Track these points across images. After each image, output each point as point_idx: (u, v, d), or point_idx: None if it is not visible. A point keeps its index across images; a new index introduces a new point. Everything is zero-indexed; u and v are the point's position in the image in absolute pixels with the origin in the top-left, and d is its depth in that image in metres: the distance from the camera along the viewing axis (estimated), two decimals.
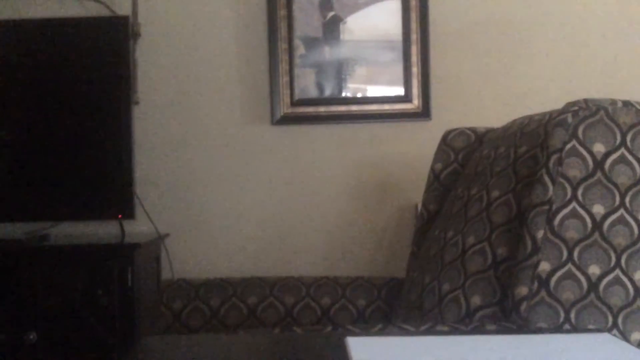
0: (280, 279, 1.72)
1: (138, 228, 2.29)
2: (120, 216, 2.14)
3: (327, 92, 2.35)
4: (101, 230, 2.29)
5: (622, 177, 1.17)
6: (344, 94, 2.35)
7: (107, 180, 2.16)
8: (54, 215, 2.20)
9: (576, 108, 1.20)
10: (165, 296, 1.69)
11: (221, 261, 2.34)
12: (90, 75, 2.18)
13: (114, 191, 2.15)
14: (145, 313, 2.04)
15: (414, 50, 2.33)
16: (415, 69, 2.33)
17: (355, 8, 2.35)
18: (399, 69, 2.34)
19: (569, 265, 1.17)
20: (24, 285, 1.97)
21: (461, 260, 1.34)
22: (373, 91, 2.36)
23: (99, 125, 2.17)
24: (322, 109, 2.35)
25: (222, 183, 2.35)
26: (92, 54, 2.18)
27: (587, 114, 1.19)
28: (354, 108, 2.35)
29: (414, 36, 2.33)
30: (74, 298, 1.96)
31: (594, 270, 1.16)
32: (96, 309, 1.95)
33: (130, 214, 2.15)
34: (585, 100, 1.21)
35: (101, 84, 2.18)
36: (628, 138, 1.18)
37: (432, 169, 1.75)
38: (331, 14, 2.35)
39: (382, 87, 2.36)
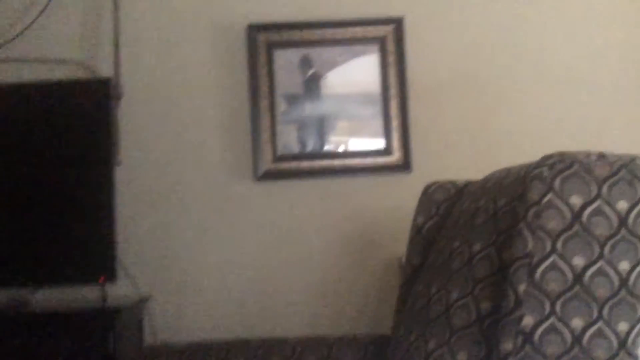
0: (265, 340, 1.70)
1: (120, 290, 2.26)
2: (101, 279, 2.11)
3: (309, 147, 2.37)
4: (82, 295, 2.25)
5: (600, 229, 1.18)
6: (326, 149, 2.37)
7: (89, 243, 2.13)
8: (34, 281, 2.16)
9: (552, 161, 1.22)
10: None
11: (206, 321, 2.31)
12: (72, 136, 2.18)
13: (95, 254, 2.13)
14: None
15: (393, 104, 2.36)
16: (395, 123, 2.36)
17: (335, 64, 2.39)
18: (379, 123, 2.37)
19: (552, 319, 1.16)
20: (3, 354, 1.92)
21: (446, 316, 1.33)
22: (354, 145, 2.38)
23: (80, 187, 2.16)
24: (304, 164, 2.36)
25: (206, 242, 2.34)
26: (74, 116, 2.19)
27: (562, 166, 1.20)
28: (336, 162, 2.36)
29: (393, 90, 2.36)
30: None
31: (577, 323, 1.15)
32: None
33: (112, 277, 2.12)
34: (561, 153, 1.23)
35: (83, 145, 2.17)
36: (604, 190, 1.19)
37: (414, 223, 1.75)
38: (311, 71, 2.38)
39: (363, 140, 2.38)
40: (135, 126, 2.35)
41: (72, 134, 2.19)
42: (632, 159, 1.22)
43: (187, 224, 2.34)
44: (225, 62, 2.38)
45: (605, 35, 2.41)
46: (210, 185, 2.35)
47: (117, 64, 2.33)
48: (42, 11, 2.33)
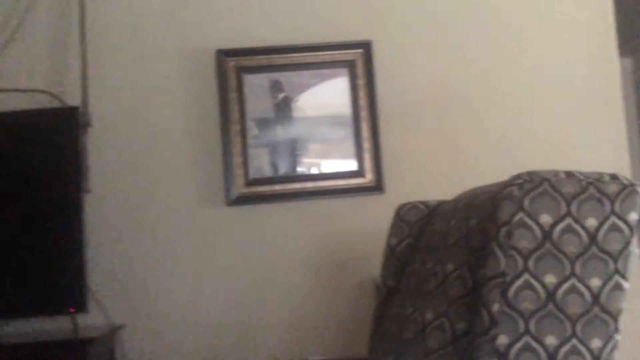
0: None
1: (91, 320, 2.22)
2: (72, 310, 2.07)
3: (282, 171, 2.36)
4: (53, 326, 2.21)
5: (571, 246, 1.19)
6: (298, 171, 2.37)
7: (59, 273, 2.10)
8: (4, 313, 2.11)
9: (521, 180, 1.23)
10: None
11: (179, 350, 2.28)
12: (41, 165, 2.15)
13: (66, 284, 2.09)
14: None
15: (365, 126, 2.37)
16: (366, 144, 2.37)
17: (305, 87, 2.40)
18: (350, 145, 2.38)
19: (527, 338, 1.17)
20: None
21: (422, 337, 1.33)
22: (327, 167, 2.38)
23: (49, 217, 2.13)
24: (277, 187, 2.35)
25: (178, 268, 2.31)
26: (43, 145, 2.16)
27: (531, 186, 1.22)
28: (309, 185, 2.36)
29: (364, 113, 2.38)
30: None
31: (551, 340, 1.16)
32: None
33: (82, 307, 2.08)
34: (529, 173, 1.24)
35: (52, 174, 2.15)
36: (573, 207, 1.21)
37: (388, 244, 1.76)
38: (282, 95, 2.39)
39: (336, 162, 2.38)
40: (104, 154, 2.32)
41: (40, 162, 2.16)
42: (600, 176, 1.24)
43: (159, 252, 2.31)
44: (195, 87, 2.38)
45: (569, 57, 2.46)
46: (181, 212, 2.33)
47: (84, 92, 2.31)
48: (8, 41, 2.31)
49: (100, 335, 2.02)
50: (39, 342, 1.99)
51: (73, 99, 2.31)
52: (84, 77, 2.31)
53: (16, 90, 2.31)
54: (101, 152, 2.32)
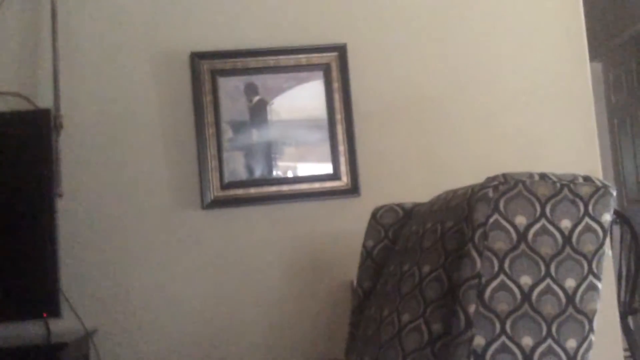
0: None
1: (65, 325, 2.19)
2: (45, 315, 2.05)
3: (257, 174, 2.36)
4: (26, 330, 2.17)
5: (545, 248, 1.21)
6: (274, 174, 2.37)
7: (31, 278, 2.07)
8: None
9: (496, 183, 1.24)
10: None
11: (154, 354, 2.26)
12: (12, 168, 2.13)
13: (38, 289, 2.06)
14: None
15: (340, 129, 2.38)
16: (342, 147, 2.37)
17: (280, 91, 2.39)
18: (326, 148, 2.38)
19: (503, 338, 1.18)
20: None
21: (398, 339, 1.34)
22: (303, 170, 2.38)
23: (21, 221, 2.10)
24: (252, 191, 2.35)
25: (152, 272, 2.29)
26: (14, 148, 2.14)
27: (506, 187, 1.23)
28: (285, 188, 2.36)
29: (339, 116, 2.38)
30: None
31: (527, 341, 1.17)
32: None
33: (55, 312, 2.06)
34: (504, 175, 1.25)
35: (24, 178, 2.12)
36: (547, 209, 1.22)
37: (364, 246, 1.76)
38: (257, 98, 2.38)
39: (311, 165, 2.38)
40: (77, 157, 2.30)
41: (12, 165, 2.13)
42: (574, 178, 1.26)
43: (133, 255, 2.29)
44: (169, 90, 2.36)
45: (541, 61, 2.49)
46: (156, 215, 2.31)
47: (56, 94, 2.28)
48: None
49: (73, 340, 1.99)
50: (10, 347, 1.96)
51: (45, 102, 2.28)
52: (55, 79, 2.28)
53: None
54: (74, 155, 2.29)
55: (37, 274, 2.07)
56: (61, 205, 2.23)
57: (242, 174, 2.35)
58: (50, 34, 2.30)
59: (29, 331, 2.18)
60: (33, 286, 2.07)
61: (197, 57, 2.34)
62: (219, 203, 2.32)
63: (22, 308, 2.08)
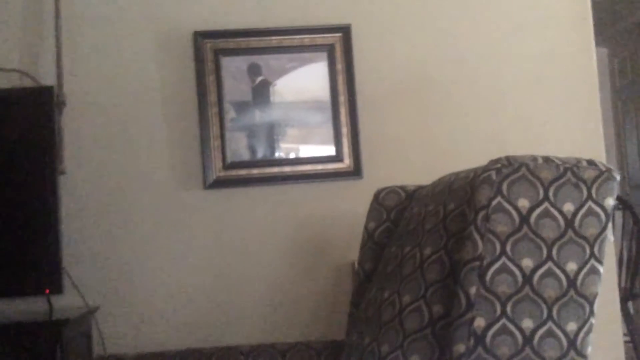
0: (217, 349, 1.68)
1: (67, 302, 2.20)
2: (47, 291, 2.06)
3: (260, 154, 2.36)
4: (28, 306, 2.18)
5: (548, 231, 1.21)
6: (276, 155, 2.36)
7: (34, 254, 2.08)
8: None
9: (499, 165, 1.24)
10: None
11: (155, 332, 2.27)
12: (15, 146, 2.13)
13: (40, 265, 2.07)
14: None
15: (343, 111, 2.37)
16: (345, 129, 2.37)
17: (283, 72, 2.38)
18: (329, 130, 2.38)
19: (503, 320, 1.18)
20: None
21: (399, 320, 1.34)
22: (305, 152, 2.38)
23: (24, 198, 2.10)
24: (255, 171, 2.35)
25: (154, 251, 2.30)
26: (17, 125, 2.13)
27: (509, 170, 1.23)
28: (287, 169, 2.36)
29: (342, 98, 2.37)
30: None
31: (528, 324, 1.18)
32: None
33: (58, 289, 2.07)
34: (507, 157, 1.25)
35: (26, 155, 2.12)
36: (550, 192, 1.22)
37: (366, 228, 1.76)
38: (260, 78, 2.37)
39: (314, 147, 2.38)
40: (80, 135, 2.29)
41: (15, 143, 2.13)
42: (577, 161, 1.25)
43: (135, 234, 2.30)
44: (172, 69, 2.35)
45: (546, 45, 2.48)
46: (158, 194, 2.31)
47: (59, 72, 2.27)
48: None
49: (75, 317, 2.00)
50: (13, 323, 1.97)
51: (47, 79, 2.27)
52: (58, 57, 2.27)
53: None
54: (76, 133, 2.29)
55: (40, 250, 2.08)
56: (63, 182, 2.23)
57: (245, 155, 2.35)
58: (53, 11, 2.29)
59: (31, 307, 2.19)
60: (36, 263, 2.08)
61: (200, 36, 2.33)
62: (221, 183, 2.32)
63: (24, 284, 2.09)
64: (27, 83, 2.27)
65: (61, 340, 1.87)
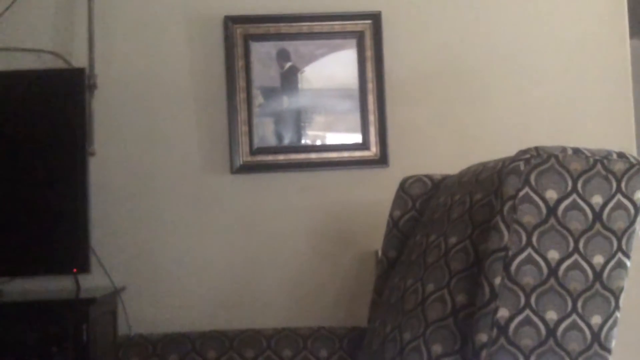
0: (240, 332, 1.69)
1: (94, 281, 2.24)
2: (75, 270, 2.09)
3: (286, 141, 2.36)
4: (56, 285, 2.23)
5: (575, 223, 1.20)
6: (303, 142, 2.37)
7: (62, 234, 2.11)
8: (6, 271, 2.13)
9: (528, 156, 1.23)
10: (121, 353, 1.64)
11: (180, 314, 2.30)
12: (46, 127, 2.16)
13: (69, 245, 2.11)
14: None
15: (371, 99, 2.36)
16: (372, 117, 2.36)
17: (312, 58, 2.38)
18: (356, 117, 2.37)
19: (527, 311, 1.18)
20: None
21: (421, 308, 1.34)
22: (331, 139, 2.38)
23: (54, 178, 2.14)
24: (281, 157, 2.35)
25: (181, 233, 2.32)
26: (48, 106, 2.16)
27: (538, 161, 1.22)
28: (313, 156, 2.36)
29: (370, 85, 2.36)
30: (28, 355, 1.89)
31: (552, 315, 1.17)
32: None
33: (85, 268, 2.10)
34: (537, 148, 1.24)
35: (57, 136, 2.15)
36: (579, 184, 1.21)
37: (391, 216, 1.76)
38: (288, 64, 2.37)
39: (340, 134, 2.38)
40: (110, 117, 2.32)
41: (46, 124, 2.16)
42: (608, 154, 1.24)
43: (162, 216, 2.32)
44: (202, 54, 2.36)
45: (580, 35, 2.44)
46: (185, 178, 2.34)
47: (91, 54, 2.30)
48: (15, 0, 2.30)
49: (102, 296, 2.03)
50: (41, 300, 2.01)
51: (79, 61, 2.30)
52: (91, 39, 2.30)
53: (22, 49, 2.30)
54: (107, 115, 2.31)
55: (69, 230, 2.11)
56: (93, 163, 2.26)
57: (272, 141, 2.35)
58: None
59: (58, 286, 2.23)
60: (64, 242, 2.11)
61: (230, 21, 2.34)
62: (247, 168, 2.33)
63: (53, 263, 2.12)
64: (60, 65, 2.30)
65: (88, 319, 1.90)
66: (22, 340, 1.89)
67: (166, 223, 2.32)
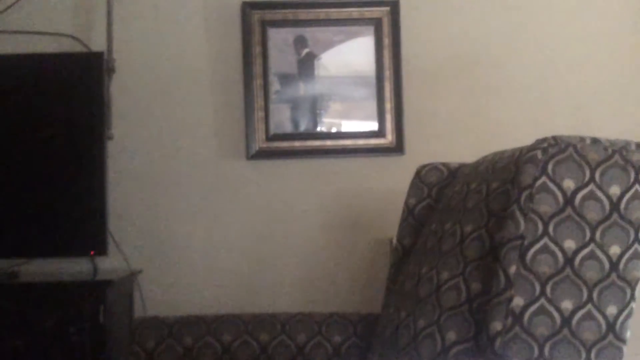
0: (254, 315, 1.70)
1: (110, 264, 2.27)
2: (92, 253, 2.12)
3: (302, 127, 2.37)
4: (73, 267, 2.26)
5: (592, 213, 1.19)
6: (318, 129, 2.37)
7: (80, 217, 2.14)
8: (24, 252, 2.16)
9: (545, 145, 1.23)
10: (137, 334, 1.66)
11: (195, 297, 2.32)
12: (64, 110, 2.18)
13: (86, 228, 2.13)
14: (118, 351, 2.01)
15: (387, 86, 2.36)
16: (388, 105, 2.36)
17: (329, 45, 2.38)
18: (372, 105, 2.37)
19: (542, 300, 1.18)
20: None
21: (436, 296, 1.35)
22: (347, 126, 2.38)
23: (72, 161, 2.16)
24: (297, 144, 2.36)
25: (197, 218, 2.34)
26: (67, 90, 2.18)
27: (556, 150, 1.21)
28: (329, 143, 2.37)
29: (387, 73, 2.36)
30: (45, 336, 1.92)
31: (567, 305, 1.17)
32: (67, 347, 1.91)
33: (102, 251, 2.12)
34: (555, 137, 1.23)
35: (75, 120, 2.17)
36: (597, 174, 1.20)
37: (406, 204, 1.76)
38: (306, 50, 2.37)
39: (356, 122, 2.38)
40: (128, 101, 2.34)
41: (64, 107, 2.18)
42: (626, 144, 1.23)
43: (179, 200, 2.34)
44: (219, 39, 2.37)
45: (599, 22, 2.42)
46: (202, 163, 2.35)
47: (109, 38, 2.31)
48: None
49: (118, 279, 2.06)
50: (59, 282, 2.04)
51: (98, 45, 2.31)
52: (109, 23, 2.31)
53: (41, 33, 2.31)
54: (125, 99, 2.33)
55: (87, 213, 2.14)
56: (111, 147, 2.27)
57: (288, 127, 2.36)
58: None
59: (75, 267, 2.26)
60: (82, 225, 2.13)
61: (248, 7, 2.34)
62: (263, 154, 2.34)
63: (70, 245, 2.14)
64: (79, 48, 2.31)
65: (105, 301, 1.93)
66: (40, 322, 1.92)
67: (182, 207, 2.34)
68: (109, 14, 2.31)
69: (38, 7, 2.33)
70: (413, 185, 1.77)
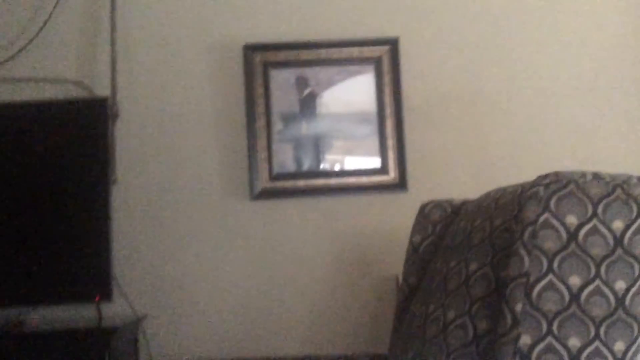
0: (262, 359, 1.69)
1: (116, 309, 2.25)
2: (97, 298, 2.10)
3: (306, 166, 2.37)
4: (77, 313, 2.24)
5: (596, 248, 1.19)
6: (322, 167, 2.38)
7: (85, 262, 2.13)
8: (30, 300, 2.15)
9: (547, 181, 1.23)
10: None
11: (201, 341, 2.30)
12: (69, 155, 2.19)
13: (91, 273, 2.12)
14: None
15: (389, 123, 2.37)
16: (390, 142, 2.37)
17: (330, 84, 2.40)
18: (375, 142, 2.38)
19: (550, 339, 1.16)
20: None
21: (443, 336, 1.34)
22: (350, 164, 2.39)
23: (76, 206, 2.16)
24: (300, 183, 2.36)
25: (201, 260, 2.34)
26: (71, 135, 2.20)
27: (558, 186, 1.21)
28: (332, 181, 2.37)
29: (388, 110, 2.37)
30: None
31: (574, 342, 1.16)
32: None
33: (107, 296, 2.11)
34: (556, 173, 1.24)
35: (80, 164, 2.18)
36: (599, 209, 1.20)
37: (411, 242, 1.76)
38: (307, 90, 2.39)
39: (359, 159, 2.38)
40: (132, 145, 2.35)
41: (69, 152, 2.19)
42: (627, 178, 1.23)
43: (183, 243, 2.34)
44: (222, 81, 2.39)
45: (598, 53, 2.43)
46: (206, 204, 2.35)
47: (113, 83, 2.33)
48: (39, 31, 2.34)
49: (124, 325, 2.04)
50: (63, 330, 2.02)
51: (102, 90, 2.34)
52: (113, 69, 2.34)
53: (46, 80, 2.34)
54: (129, 143, 2.34)
55: (91, 258, 2.13)
56: (115, 191, 2.28)
57: (291, 166, 2.37)
58: (109, 24, 2.36)
59: (80, 313, 2.24)
60: (87, 270, 2.13)
61: (250, 50, 2.36)
62: (267, 194, 2.34)
63: (75, 291, 2.13)
64: (83, 94, 2.34)
65: (109, 349, 1.91)
66: None
67: (187, 249, 2.33)
68: (113, 59, 2.34)
69: (43, 54, 2.36)
70: (417, 222, 1.77)
